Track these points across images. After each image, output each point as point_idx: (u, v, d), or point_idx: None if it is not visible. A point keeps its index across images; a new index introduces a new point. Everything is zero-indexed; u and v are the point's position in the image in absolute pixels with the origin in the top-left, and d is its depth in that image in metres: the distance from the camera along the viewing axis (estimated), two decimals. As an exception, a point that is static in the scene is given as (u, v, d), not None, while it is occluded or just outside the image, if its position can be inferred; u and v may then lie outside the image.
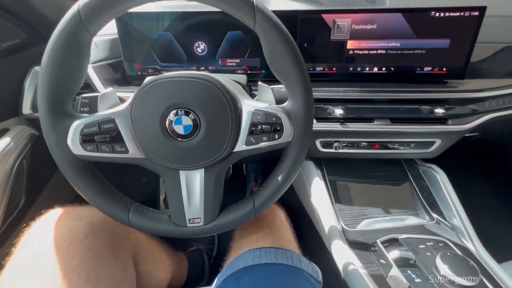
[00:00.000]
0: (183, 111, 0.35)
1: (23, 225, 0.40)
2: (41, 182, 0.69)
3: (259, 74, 0.62)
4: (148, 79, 0.36)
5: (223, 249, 0.82)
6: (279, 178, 0.39)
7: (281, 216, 0.56)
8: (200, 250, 0.87)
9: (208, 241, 0.94)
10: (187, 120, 0.35)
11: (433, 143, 0.62)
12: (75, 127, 0.34)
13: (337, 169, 0.69)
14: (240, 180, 1.15)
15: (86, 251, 0.37)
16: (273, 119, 0.37)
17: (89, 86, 0.58)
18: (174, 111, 0.35)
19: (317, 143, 0.63)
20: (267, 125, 0.37)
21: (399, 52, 0.58)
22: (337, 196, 0.63)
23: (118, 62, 0.62)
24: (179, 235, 0.40)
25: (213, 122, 0.36)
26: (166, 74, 0.35)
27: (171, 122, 0.35)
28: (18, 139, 0.59)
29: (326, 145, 0.63)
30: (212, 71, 0.62)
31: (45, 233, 0.38)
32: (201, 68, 0.62)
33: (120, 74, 0.63)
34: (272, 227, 0.52)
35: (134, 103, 0.35)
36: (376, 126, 0.59)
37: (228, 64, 0.62)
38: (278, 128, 0.37)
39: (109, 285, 0.38)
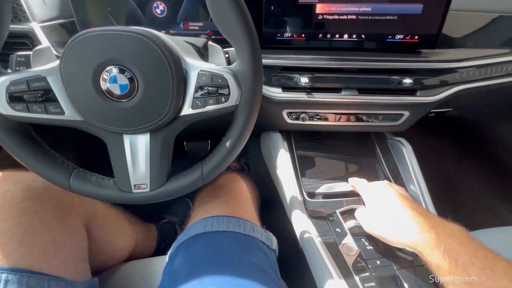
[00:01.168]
0: (117, 69, 0.32)
1: None
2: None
3: (224, 39, 0.59)
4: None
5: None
6: (227, 144, 0.38)
7: (241, 186, 0.55)
8: (173, 222, 0.88)
9: (183, 213, 0.94)
10: (122, 79, 0.33)
11: (401, 115, 0.61)
12: None
13: (306, 142, 0.68)
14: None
15: (21, 214, 0.36)
16: (219, 80, 0.35)
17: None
18: (108, 69, 0.32)
19: (284, 114, 0.61)
20: (213, 87, 0.35)
21: (370, 17, 0.55)
22: (302, 169, 0.62)
23: (71, 23, 0.58)
24: (125, 201, 0.39)
25: (151, 81, 0.33)
26: (99, 28, 0.32)
27: (105, 80, 0.33)
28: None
29: (294, 117, 0.62)
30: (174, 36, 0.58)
31: None
32: (162, 31, 0.58)
33: (74, 36, 0.58)
34: (229, 196, 0.51)
35: (63, 58, 0.32)
36: (343, 96, 0.57)
37: (190, 27, 0.58)
38: (225, 90, 0.35)
39: (48, 249, 0.37)
